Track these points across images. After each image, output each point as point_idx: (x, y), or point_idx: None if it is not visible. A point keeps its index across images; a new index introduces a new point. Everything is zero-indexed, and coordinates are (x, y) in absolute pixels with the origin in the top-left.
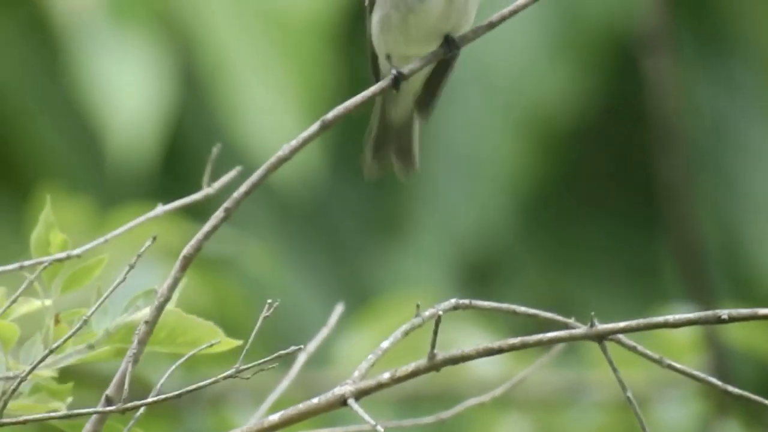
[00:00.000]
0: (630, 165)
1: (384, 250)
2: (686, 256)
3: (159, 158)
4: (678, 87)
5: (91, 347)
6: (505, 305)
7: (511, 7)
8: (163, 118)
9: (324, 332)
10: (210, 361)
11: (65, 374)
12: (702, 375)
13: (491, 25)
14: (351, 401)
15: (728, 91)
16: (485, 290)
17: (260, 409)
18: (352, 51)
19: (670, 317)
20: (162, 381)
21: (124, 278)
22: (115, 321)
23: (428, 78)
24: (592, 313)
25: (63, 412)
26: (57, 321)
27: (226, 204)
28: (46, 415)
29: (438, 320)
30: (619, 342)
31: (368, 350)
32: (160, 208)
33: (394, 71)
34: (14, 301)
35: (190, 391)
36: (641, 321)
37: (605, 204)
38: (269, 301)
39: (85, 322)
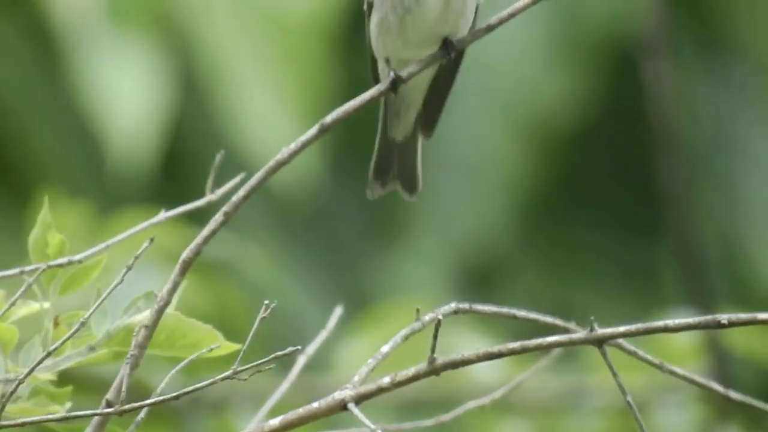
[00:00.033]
0: (630, 168)
1: (383, 254)
2: (686, 260)
3: (158, 162)
4: (678, 90)
5: (92, 349)
6: (505, 309)
7: (509, 10)
8: (163, 121)
9: (323, 335)
10: (209, 365)
11: (65, 378)
12: (703, 380)
13: (490, 28)
14: (351, 405)
15: (728, 95)
16: (485, 294)
17: (259, 413)
18: (351, 54)
19: (670, 322)
20: (163, 384)
21: (122, 279)
22: (114, 323)
23: (430, 94)
24: (592, 318)
25: (61, 414)
26: (57, 323)
27: (226, 208)
28: (44, 417)
29: (438, 324)
30: (620, 347)
31: (368, 355)
32: (163, 214)
33: (392, 74)
34: (13, 304)
35: (189, 392)
36: (641, 325)
37: (605, 207)
38: (266, 302)
39: (84, 323)
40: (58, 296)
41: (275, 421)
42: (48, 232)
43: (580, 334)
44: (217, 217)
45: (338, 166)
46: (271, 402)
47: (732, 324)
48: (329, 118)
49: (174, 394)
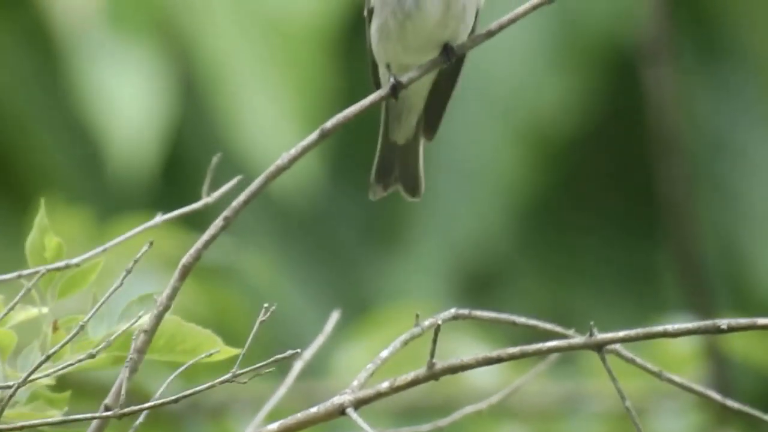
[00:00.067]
0: (629, 173)
1: (383, 259)
2: (685, 265)
3: (159, 167)
4: (677, 95)
5: (92, 356)
6: (504, 315)
7: (509, 16)
8: (163, 127)
9: (320, 339)
10: (208, 370)
11: (63, 383)
12: (701, 388)
13: (490, 34)
14: (350, 410)
15: (728, 99)
16: (484, 299)
17: (258, 417)
18: (351, 59)
19: (670, 327)
20: (162, 389)
21: (121, 283)
22: (113, 328)
23: (431, 98)
24: (591, 323)
25: (59, 417)
26: (55, 328)
27: (225, 213)
28: (42, 420)
29: (437, 330)
30: (618, 354)
31: (367, 360)
32: (159, 218)
33: (392, 80)
34: (12, 309)
35: (188, 396)
36: (640, 331)
37: (605, 212)
38: (265, 305)
39: (82, 328)
40: (57, 300)
41: (274, 426)
42: (45, 236)
43: (580, 339)
44: (217, 222)
45: (338, 172)
46: (269, 407)
47: (731, 329)
48: (329, 124)
49: (173, 398)
